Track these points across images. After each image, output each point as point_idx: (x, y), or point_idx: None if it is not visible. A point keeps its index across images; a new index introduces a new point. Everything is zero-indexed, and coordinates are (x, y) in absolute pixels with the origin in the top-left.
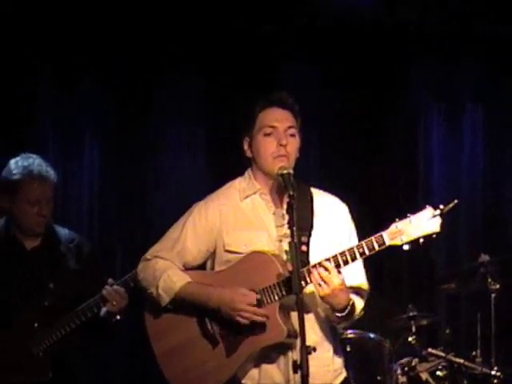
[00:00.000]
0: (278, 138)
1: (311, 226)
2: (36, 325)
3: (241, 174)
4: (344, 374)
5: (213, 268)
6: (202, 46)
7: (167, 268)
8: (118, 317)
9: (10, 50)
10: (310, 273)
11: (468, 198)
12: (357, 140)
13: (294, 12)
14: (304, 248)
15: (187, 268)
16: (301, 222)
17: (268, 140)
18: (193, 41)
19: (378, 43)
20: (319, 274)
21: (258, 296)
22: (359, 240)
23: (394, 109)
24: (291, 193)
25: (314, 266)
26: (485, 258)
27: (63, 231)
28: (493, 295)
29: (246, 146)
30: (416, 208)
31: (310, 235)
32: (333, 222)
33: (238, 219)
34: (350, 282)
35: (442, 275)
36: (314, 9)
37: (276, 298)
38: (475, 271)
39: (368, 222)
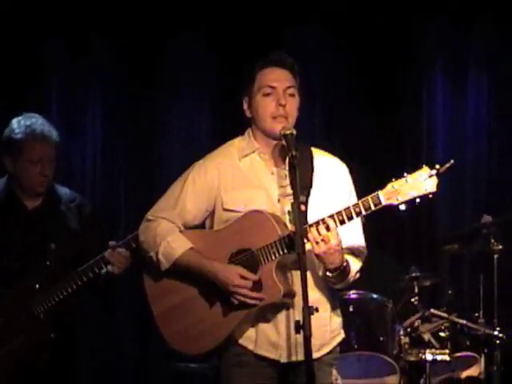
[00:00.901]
0: (277, 98)
1: (310, 186)
2: (37, 286)
3: (242, 133)
4: (342, 336)
5: (212, 227)
6: (209, 9)
7: (168, 233)
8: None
9: (17, 12)
10: (307, 231)
11: (472, 159)
12: (362, 103)
13: None
14: (303, 207)
15: (187, 227)
16: (300, 182)
17: (267, 100)
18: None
19: (386, 5)
20: (318, 232)
21: (256, 277)
22: None
23: (400, 72)
24: (294, 153)
25: (311, 225)
26: (487, 218)
27: (64, 191)
28: (495, 256)
29: (245, 106)
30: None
31: (308, 195)
32: (332, 182)
33: (237, 178)
34: (347, 242)
35: (445, 236)
36: None
37: (273, 257)
38: (478, 232)
39: (374, 184)
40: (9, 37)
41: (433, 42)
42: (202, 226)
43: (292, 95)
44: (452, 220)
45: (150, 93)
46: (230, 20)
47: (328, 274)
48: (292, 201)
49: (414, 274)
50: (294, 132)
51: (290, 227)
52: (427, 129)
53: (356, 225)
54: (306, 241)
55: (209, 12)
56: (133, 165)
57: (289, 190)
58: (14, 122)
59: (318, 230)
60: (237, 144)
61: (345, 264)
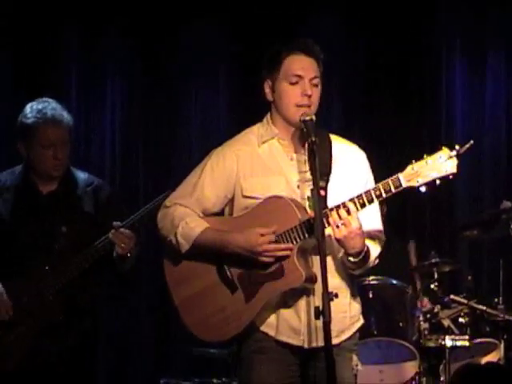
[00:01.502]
0: (303, 87)
1: (329, 172)
2: (47, 268)
3: (260, 119)
4: (361, 321)
5: (231, 214)
6: None
7: (185, 215)
8: (129, 254)
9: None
10: (327, 215)
11: (490, 145)
12: (380, 89)
13: None
14: (322, 192)
15: (206, 214)
16: (319, 167)
17: (293, 88)
18: None
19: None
20: (339, 216)
21: (274, 228)
22: None
23: (419, 56)
24: (313, 139)
25: (332, 208)
26: (507, 204)
27: (82, 175)
28: None
29: (267, 89)
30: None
31: (328, 180)
32: (350, 168)
33: (256, 165)
34: (364, 227)
35: (465, 222)
36: None
37: (294, 242)
38: (498, 218)
39: (393, 170)
40: (25, 26)
41: (450, 29)
42: (221, 213)
43: (316, 85)
44: (471, 206)
45: (166, 80)
46: (245, 7)
47: (350, 258)
48: (311, 186)
49: (433, 260)
50: (314, 118)
51: (310, 212)
52: (446, 115)
53: (374, 209)
54: (326, 225)
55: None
56: (151, 151)
57: (308, 176)
58: (27, 107)
59: (338, 213)
60: (256, 131)
61: (366, 249)
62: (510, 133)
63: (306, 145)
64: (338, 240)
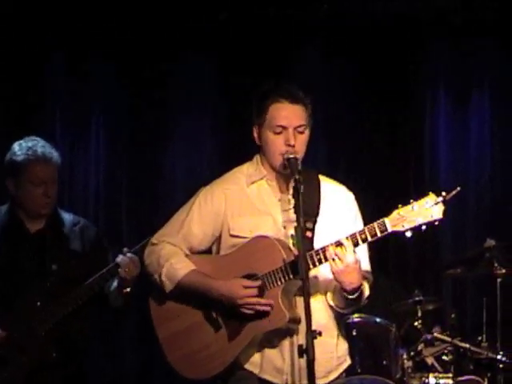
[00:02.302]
0: (286, 137)
1: (317, 213)
2: (38, 304)
3: (246, 157)
4: (348, 362)
5: (218, 252)
6: (216, 30)
7: (172, 255)
8: (128, 289)
9: (20, 30)
10: (319, 254)
11: (475, 183)
12: (365, 128)
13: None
14: (309, 234)
15: (193, 252)
16: (307, 208)
17: (277, 138)
18: (206, 25)
19: (389, 33)
20: (334, 250)
21: (259, 283)
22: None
23: (403, 98)
24: (297, 177)
25: (318, 250)
26: (491, 242)
27: (67, 215)
28: (498, 280)
29: (255, 134)
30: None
31: (315, 221)
32: (339, 209)
33: (244, 204)
34: None
35: (448, 260)
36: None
37: (279, 282)
38: (481, 256)
39: (376, 210)
40: (10, 57)
41: (435, 65)
42: (208, 251)
43: (301, 132)
44: (455, 244)
45: (153, 114)
46: (234, 43)
47: (346, 295)
48: (303, 225)
49: (417, 298)
50: (298, 156)
51: (294, 250)
52: (430, 152)
53: (362, 250)
54: (310, 266)
55: (213, 34)
56: (135, 187)
57: (293, 215)
58: (16, 145)
59: (334, 248)
60: (245, 170)
61: (362, 287)
62: (494, 170)
63: (291, 183)
64: (334, 275)
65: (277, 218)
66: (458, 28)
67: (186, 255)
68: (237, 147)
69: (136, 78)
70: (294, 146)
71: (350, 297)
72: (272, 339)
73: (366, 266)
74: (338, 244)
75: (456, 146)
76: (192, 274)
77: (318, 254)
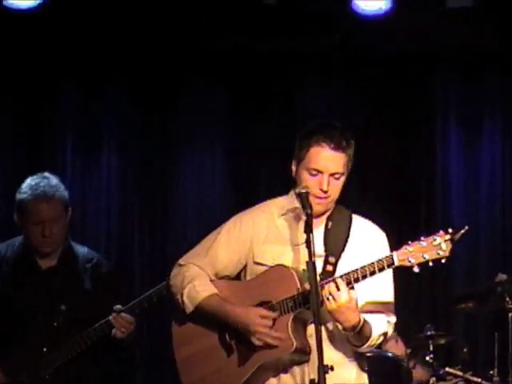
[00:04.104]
0: (320, 181)
1: (342, 249)
2: (44, 345)
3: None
4: None
5: None
6: (227, 61)
7: (195, 277)
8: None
9: (33, 55)
10: (322, 288)
11: (487, 216)
12: (377, 161)
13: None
14: (329, 268)
15: (218, 277)
16: (332, 243)
17: (311, 180)
18: (217, 55)
19: (399, 67)
20: (329, 289)
21: (276, 314)
22: None
23: (414, 127)
24: (308, 211)
25: (328, 281)
26: (502, 277)
27: (82, 250)
28: (510, 314)
29: (293, 167)
30: (434, 230)
31: (339, 257)
32: (368, 248)
33: (271, 232)
34: (376, 298)
35: (460, 294)
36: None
37: (290, 311)
38: (493, 290)
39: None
40: (22, 83)
41: (446, 96)
42: (237, 278)
43: (337, 179)
44: (467, 278)
45: (163, 145)
46: (244, 73)
47: (346, 333)
48: (322, 262)
49: (428, 333)
50: (309, 191)
51: (305, 285)
52: (442, 185)
53: (387, 280)
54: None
55: (224, 63)
56: (147, 218)
57: (318, 251)
58: (26, 181)
59: (328, 286)
60: (278, 202)
61: (361, 324)
62: (505, 204)
63: (304, 217)
64: (329, 313)
65: (300, 252)
66: (468, 57)
67: (211, 280)
68: (245, 175)
69: (147, 112)
70: (326, 192)
71: (348, 334)
72: (288, 366)
73: (385, 296)
74: (333, 282)
75: (468, 178)
76: (212, 298)
77: (322, 288)
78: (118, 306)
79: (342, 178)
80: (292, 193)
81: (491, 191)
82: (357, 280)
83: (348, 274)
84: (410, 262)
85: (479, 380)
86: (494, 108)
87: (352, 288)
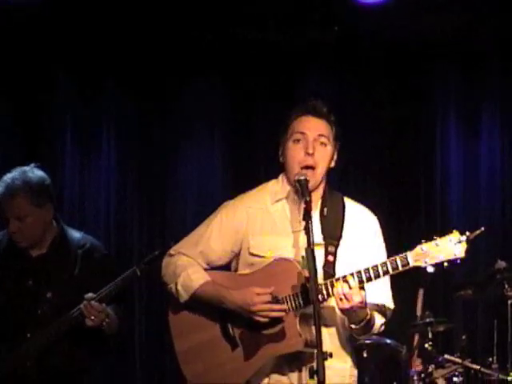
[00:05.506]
0: (305, 145)
1: (340, 236)
2: (28, 335)
3: (255, 179)
4: None
5: (236, 269)
6: (226, 52)
7: (188, 266)
8: (103, 327)
9: (33, 50)
10: (332, 286)
11: (486, 204)
12: (375, 156)
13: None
14: (330, 258)
15: (211, 267)
16: (330, 231)
17: (296, 147)
18: (217, 47)
19: (399, 57)
20: (342, 290)
21: (271, 289)
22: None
23: (413, 125)
24: (307, 199)
25: (338, 279)
26: (502, 264)
27: (76, 235)
28: (509, 302)
29: (280, 152)
30: (434, 226)
31: (337, 245)
32: (362, 233)
33: (265, 223)
34: (374, 299)
35: (459, 282)
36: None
37: (298, 306)
38: (492, 278)
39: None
40: (21, 79)
41: (445, 89)
42: (226, 266)
43: (323, 144)
44: (466, 266)
45: (163, 135)
46: (243, 63)
47: (352, 326)
48: (321, 249)
49: (427, 320)
50: (308, 178)
51: (304, 272)
52: (441, 175)
53: (384, 282)
54: (331, 294)
55: (222, 55)
56: (147, 207)
57: (316, 238)
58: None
59: (341, 286)
60: (270, 188)
61: (368, 317)
62: (504, 192)
63: (302, 204)
64: (341, 311)
65: (298, 240)
66: (468, 54)
67: (205, 269)
68: (244, 165)
69: (146, 105)
70: (312, 155)
71: (354, 326)
72: (283, 365)
73: (386, 299)
74: (345, 281)
75: (467, 167)
76: (208, 285)
77: (327, 287)
78: (90, 294)
79: (329, 148)
80: (282, 177)
81: (490, 181)
82: (369, 279)
83: (359, 272)
84: (425, 262)
85: (478, 367)
86: (494, 104)
87: (362, 288)
